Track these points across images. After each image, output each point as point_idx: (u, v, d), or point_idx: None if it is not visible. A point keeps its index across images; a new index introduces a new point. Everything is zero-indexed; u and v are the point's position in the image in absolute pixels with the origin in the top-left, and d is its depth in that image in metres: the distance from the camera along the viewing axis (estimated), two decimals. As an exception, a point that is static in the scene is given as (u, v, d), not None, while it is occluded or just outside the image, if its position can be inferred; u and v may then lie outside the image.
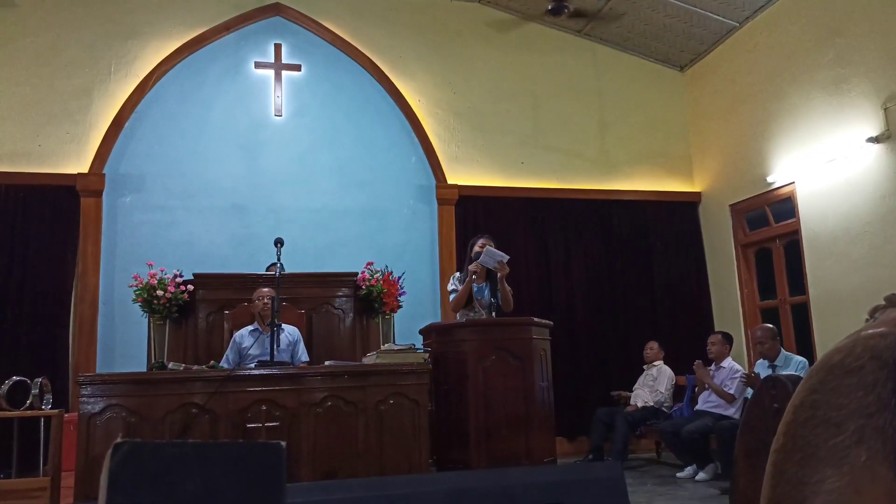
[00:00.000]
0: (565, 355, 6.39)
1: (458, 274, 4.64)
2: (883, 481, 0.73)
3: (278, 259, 4.19)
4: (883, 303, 3.70)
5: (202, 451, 0.59)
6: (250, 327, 4.50)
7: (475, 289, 4.42)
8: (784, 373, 4.70)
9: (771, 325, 5.31)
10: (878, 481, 0.73)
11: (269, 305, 4.31)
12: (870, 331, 0.78)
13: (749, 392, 5.19)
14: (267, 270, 5.14)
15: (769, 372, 4.99)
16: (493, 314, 4.42)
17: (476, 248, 4.50)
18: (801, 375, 4.46)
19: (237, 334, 4.48)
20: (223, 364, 4.29)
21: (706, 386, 5.48)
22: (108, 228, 6.00)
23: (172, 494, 0.55)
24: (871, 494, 0.73)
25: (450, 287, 4.58)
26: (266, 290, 4.45)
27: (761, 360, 5.20)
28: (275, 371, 3.79)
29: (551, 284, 6.75)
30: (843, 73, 5.38)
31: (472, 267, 4.38)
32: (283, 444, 0.56)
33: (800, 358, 5.08)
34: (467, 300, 4.44)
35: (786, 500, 0.81)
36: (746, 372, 5.20)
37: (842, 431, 0.77)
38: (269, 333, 4.27)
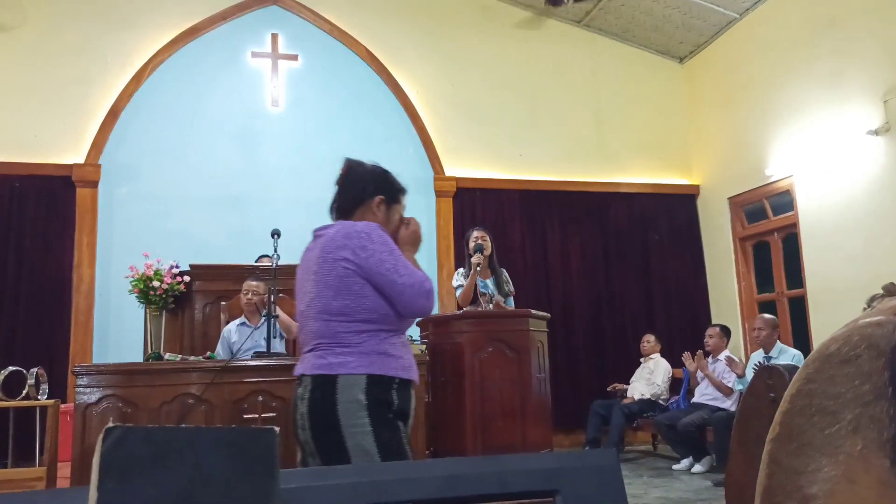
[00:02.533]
0: (562, 347, 6.41)
1: (461, 270, 4.58)
2: (877, 470, 0.73)
3: (275, 250, 4.18)
4: (881, 292, 3.71)
5: (195, 436, 0.58)
6: (238, 321, 4.44)
7: (480, 283, 4.39)
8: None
9: (773, 316, 5.35)
10: (871, 470, 0.73)
11: (253, 301, 4.30)
12: (866, 319, 0.78)
13: (741, 382, 5.22)
14: (256, 262, 5.12)
15: (766, 363, 5.02)
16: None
17: (472, 242, 4.46)
18: (798, 366, 4.49)
19: (225, 329, 4.41)
20: (216, 358, 4.28)
21: (701, 378, 5.51)
22: (103, 219, 5.99)
23: (164, 479, 0.55)
24: (864, 483, 0.73)
25: (455, 283, 4.53)
26: (254, 283, 4.39)
27: (758, 350, 5.23)
28: (271, 362, 3.78)
29: (548, 276, 6.76)
30: (842, 66, 5.37)
31: (474, 259, 4.34)
32: (277, 429, 0.55)
33: (795, 351, 5.11)
34: (473, 296, 4.40)
35: (781, 488, 0.81)
36: (731, 356, 5.26)
37: (838, 420, 0.77)
38: (257, 327, 4.26)
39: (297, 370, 2.01)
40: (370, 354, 1.89)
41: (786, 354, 5.03)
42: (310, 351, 1.96)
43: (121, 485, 0.53)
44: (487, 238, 4.45)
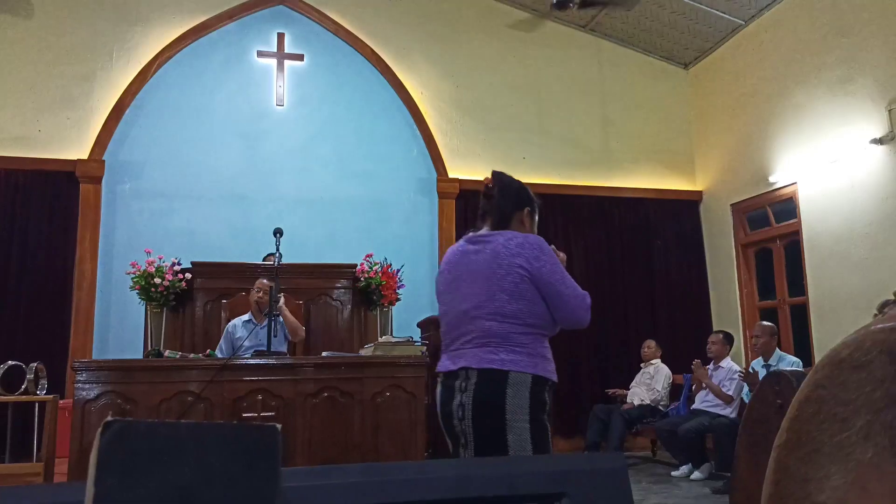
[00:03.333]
0: (563, 352, 6.37)
1: None
2: (889, 478, 0.71)
3: (277, 249, 4.17)
4: (892, 298, 3.69)
5: (196, 432, 0.57)
6: (244, 317, 4.46)
7: None
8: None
9: (771, 324, 5.32)
10: (884, 478, 0.72)
11: (264, 299, 4.30)
12: (879, 325, 0.76)
13: (746, 393, 5.18)
14: (264, 260, 5.12)
15: (764, 371, 5.01)
16: None
17: None
18: (805, 371, 4.43)
19: (230, 324, 4.45)
20: (216, 354, 4.27)
21: (703, 385, 5.48)
22: (106, 215, 5.98)
23: (164, 475, 0.54)
24: (877, 491, 0.72)
25: None
26: (266, 282, 4.41)
27: (758, 358, 5.21)
28: (271, 361, 3.77)
29: (550, 280, 6.73)
30: (848, 74, 5.36)
31: None
32: (279, 426, 0.54)
33: (794, 358, 5.12)
34: None
35: (789, 495, 0.79)
36: (743, 369, 5.18)
37: (848, 427, 0.75)
38: (262, 325, 4.26)
39: (453, 364, 2.10)
40: (535, 356, 2.08)
41: (785, 362, 5.03)
42: (475, 347, 2.07)
43: (119, 480, 0.52)
44: None
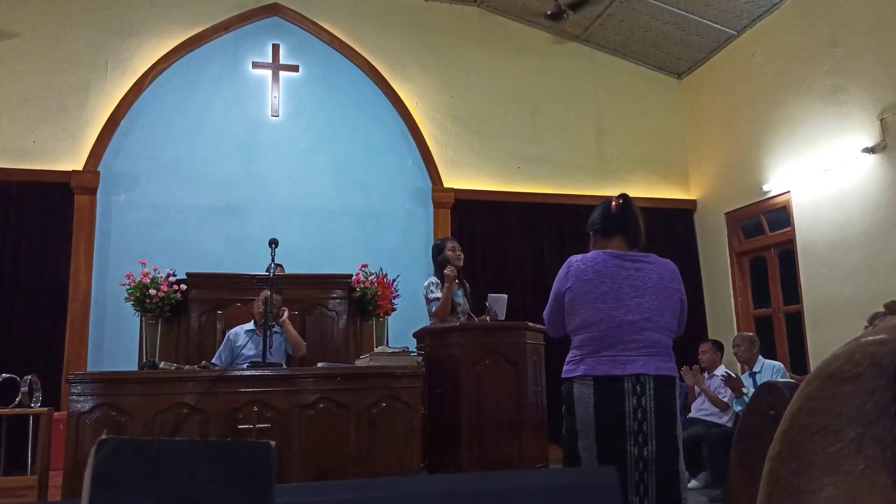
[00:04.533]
0: (558, 360, 6.37)
1: (434, 279, 4.57)
2: (881, 490, 0.72)
3: (273, 259, 4.17)
4: (882, 310, 3.70)
5: (190, 449, 0.57)
6: (247, 326, 4.45)
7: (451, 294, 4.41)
8: (762, 379, 4.89)
9: (750, 333, 5.42)
10: (876, 490, 0.72)
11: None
12: (869, 337, 0.77)
13: (738, 401, 5.20)
14: (267, 271, 5.13)
15: (749, 379, 5.09)
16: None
17: (451, 252, 4.48)
18: (797, 383, 4.52)
19: (231, 332, 4.44)
20: (215, 361, 4.25)
21: (698, 393, 5.48)
22: (101, 226, 5.97)
23: (158, 492, 0.54)
24: (868, 503, 0.72)
25: (431, 295, 4.47)
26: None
27: (746, 372, 5.30)
28: (267, 372, 3.76)
29: (546, 289, 6.71)
30: (840, 83, 5.40)
31: (447, 271, 4.34)
32: (273, 443, 0.54)
33: (776, 363, 5.27)
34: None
35: (782, 508, 0.79)
36: (730, 373, 5.24)
37: (840, 439, 0.76)
38: (264, 334, 4.25)
39: (616, 369, 2.33)
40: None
41: (767, 367, 5.17)
42: (647, 356, 2.34)
43: (113, 499, 0.52)
44: (458, 248, 4.52)
